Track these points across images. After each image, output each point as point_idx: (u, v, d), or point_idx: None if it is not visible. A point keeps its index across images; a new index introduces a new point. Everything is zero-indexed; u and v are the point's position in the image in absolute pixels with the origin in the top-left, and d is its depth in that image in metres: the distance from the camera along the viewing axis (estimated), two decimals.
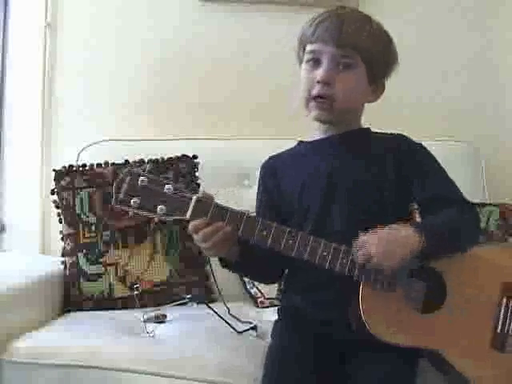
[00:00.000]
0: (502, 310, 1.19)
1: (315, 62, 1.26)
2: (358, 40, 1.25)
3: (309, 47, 1.27)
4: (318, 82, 1.24)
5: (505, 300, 1.19)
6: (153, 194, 1.11)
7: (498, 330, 1.18)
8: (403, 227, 1.14)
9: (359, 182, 1.26)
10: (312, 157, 1.32)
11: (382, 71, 1.31)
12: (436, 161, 1.30)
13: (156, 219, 1.13)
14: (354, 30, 1.26)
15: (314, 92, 1.25)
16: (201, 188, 1.80)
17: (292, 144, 1.40)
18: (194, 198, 1.12)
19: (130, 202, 1.10)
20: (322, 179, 1.28)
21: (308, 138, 1.37)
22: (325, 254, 1.14)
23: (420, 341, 1.16)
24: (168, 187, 1.11)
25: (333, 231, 1.22)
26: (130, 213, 1.12)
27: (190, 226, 1.14)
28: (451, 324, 1.17)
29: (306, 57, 1.28)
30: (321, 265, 1.14)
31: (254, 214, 1.37)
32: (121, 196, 1.11)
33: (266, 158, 1.42)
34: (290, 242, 1.14)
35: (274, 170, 1.37)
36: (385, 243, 1.11)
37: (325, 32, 1.25)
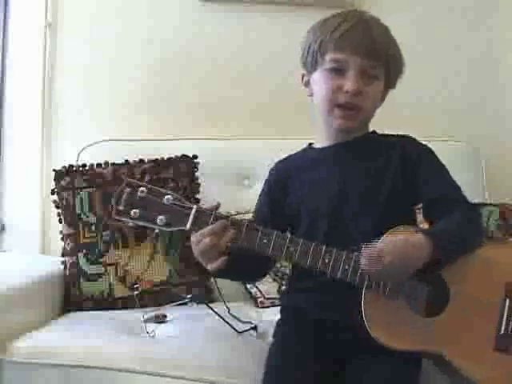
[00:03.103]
0: (506, 311, 1.17)
1: (338, 70, 1.23)
2: (386, 53, 1.24)
3: (333, 55, 1.23)
4: (347, 91, 1.21)
5: (508, 301, 1.17)
6: (152, 204, 1.11)
7: (502, 332, 1.17)
8: (414, 236, 1.12)
9: (371, 185, 1.25)
10: (323, 163, 1.31)
11: (394, 82, 1.32)
12: (441, 163, 1.29)
13: (156, 230, 1.12)
14: (383, 42, 1.24)
15: (342, 100, 1.23)
16: (201, 189, 1.81)
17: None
18: (194, 208, 1.12)
19: (130, 212, 1.11)
20: (334, 185, 1.27)
21: (317, 144, 1.36)
22: (327, 260, 1.14)
23: (423, 344, 1.15)
24: (167, 198, 1.11)
25: (346, 236, 1.21)
26: (130, 223, 1.11)
27: (193, 237, 1.13)
28: (454, 327, 1.16)
29: (329, 65, 1.23)
30: (323, 271, 1.14)
31: (255, 216, 1.38)
32: (120, 207, 1.11)
33: (276, 161, 1.40)
34: (291, 249, 1.14)
35: (281, 177, 1.36)
36: (398, 256, 1.09)
37: (354, 42, 1.21)
